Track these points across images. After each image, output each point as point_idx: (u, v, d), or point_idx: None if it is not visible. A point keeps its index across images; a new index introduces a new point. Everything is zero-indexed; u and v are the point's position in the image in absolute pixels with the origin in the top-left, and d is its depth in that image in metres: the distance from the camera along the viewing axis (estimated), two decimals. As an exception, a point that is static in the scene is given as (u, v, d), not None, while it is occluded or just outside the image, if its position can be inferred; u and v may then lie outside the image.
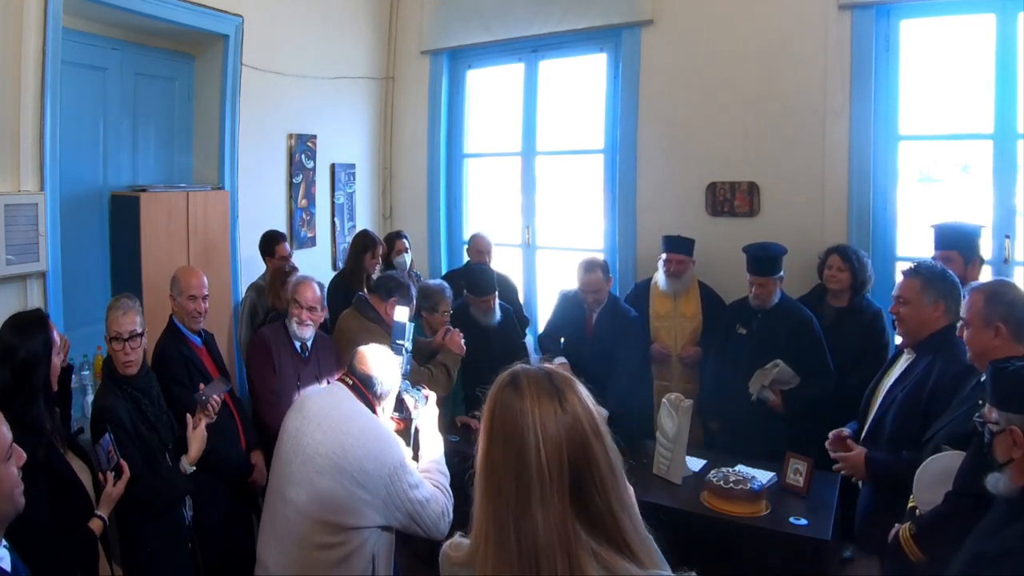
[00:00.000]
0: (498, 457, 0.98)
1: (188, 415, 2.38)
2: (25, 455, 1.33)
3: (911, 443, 2.22)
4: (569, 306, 3.69)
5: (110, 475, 2.01)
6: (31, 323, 1.96)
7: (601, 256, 3.64)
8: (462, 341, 3.19)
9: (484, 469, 1.00)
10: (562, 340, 3.73)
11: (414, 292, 3.19)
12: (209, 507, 2.62)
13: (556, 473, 0.94)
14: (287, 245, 4.01)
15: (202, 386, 2.47)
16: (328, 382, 2.78)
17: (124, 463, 2.05)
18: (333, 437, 1.90)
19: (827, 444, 2.51)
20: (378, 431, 1.97)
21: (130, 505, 2.15)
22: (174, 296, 2.83)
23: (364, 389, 2.05)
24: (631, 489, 1.14)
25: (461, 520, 1.05)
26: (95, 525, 1.93)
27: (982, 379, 2.01)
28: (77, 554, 1.86)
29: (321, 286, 3.10)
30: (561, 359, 3.54)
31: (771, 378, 3.20)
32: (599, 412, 1.02)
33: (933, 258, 2.96)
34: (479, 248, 4.40)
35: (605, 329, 3.52)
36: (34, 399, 1.88)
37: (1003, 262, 3.46)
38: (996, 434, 1.53)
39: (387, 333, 3.07)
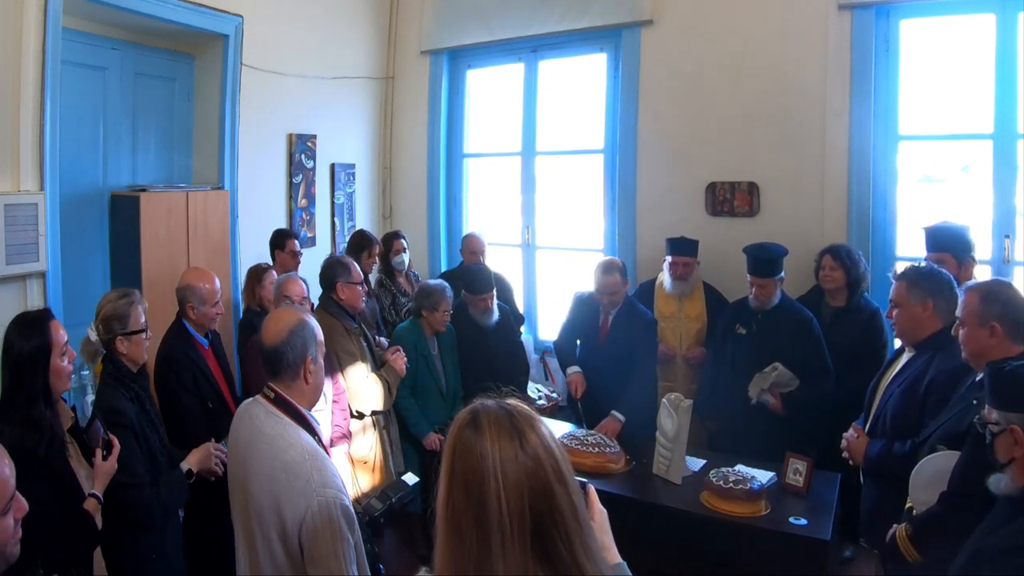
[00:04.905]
0: (459, 502, 0.95)
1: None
2: (27, 507, 1.32)
3: (909, 434, 2.25)
4: (584, 309, 3.62)
5: (100, 451, 1.98)
6: (32, 324, 1.94)
7: (619, 259, 3.57)
8: (405, 365, 3.20)
9: (445, 513, 0.97)
10: (578, 342, 3.68)
11: (344, 259, 3.23)
12: (201, 514, 2.55)
13: (517, 522, 0.92)
14: (297, 242, 4.06)
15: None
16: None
17: (113, 437, 2.02)
18: None
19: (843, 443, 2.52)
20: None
21: (129, 520, 2.12)
22: (194, 306, 2.70)
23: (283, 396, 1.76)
24: (605, 513, 1.12)
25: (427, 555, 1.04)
26: (90, 505, 1.91)
27: (978, 379, 2.02)
28: (73, 532, 1.83)
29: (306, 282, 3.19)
30: (575, 369, 3.54)
31: (770, 381, 3.19)
32: (563, 453, 0.99)
33: (925, 260, 2.97)
34: (472, 248, 4.39)
35: (620, 332, 3.46)
36: (34, 399, 1.87)
37: (1003, 262, 3.46)
38: (997, 434, 1.53)
39: (347, 326, 3.11)
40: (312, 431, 1.75)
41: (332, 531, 1.56)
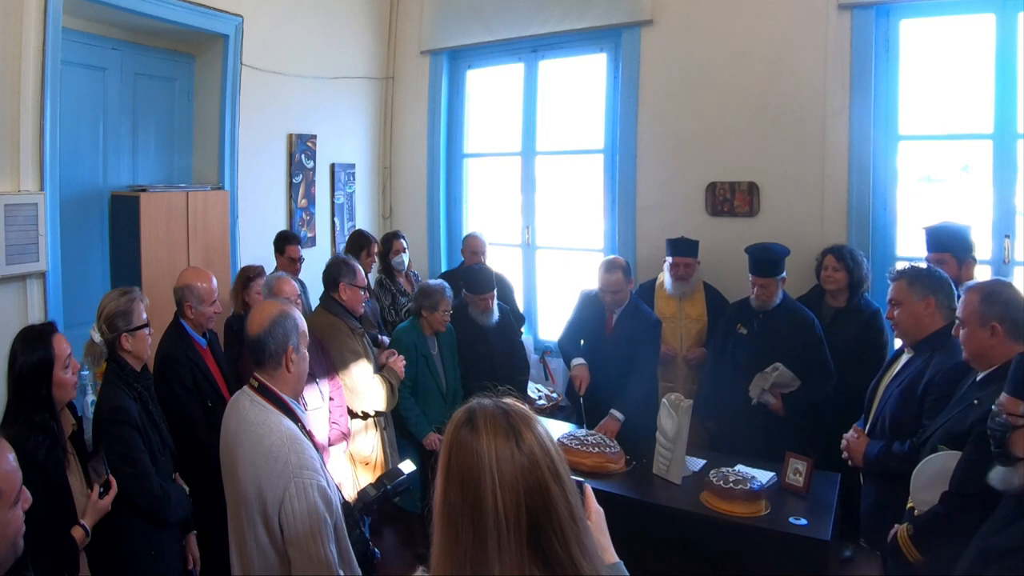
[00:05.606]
0: (455, 501, 0.96)
1: None
2: (31, 499, 1.33)
3: (907, 435, 2.25)
4: (589, 306, 3.61)
5: (97, 488, 2.01)
6: (35, 337, 1.97)
7: (622, 258, 3.57)
8: (403, 366, 3.21)
9: (441, 511, 0.97)
10: (582, 342, 3.66)
11: (350, 260, 3.21)
12: (200, 512, 2.52)
13: (513, 521, 0.92)
14: (299, 248, 4.04)
15: None
16: (317, 381, 2.77)
17: (112, 479, 2.05)
18: None
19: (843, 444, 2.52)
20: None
21: (138, 511, 2.14)
22: (192, 305, 2.71)
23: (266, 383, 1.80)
24: (601, 512, 1.12)
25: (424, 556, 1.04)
26: (77, 533, 1.92)
27: (978, 378, 2.02)
28: (58, 557, 1.84)
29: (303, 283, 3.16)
30: (580, 361, 3.53)
31: (771, 382, 3.19)
32: (559, 452, 0.99)
33: (926, 260, 2.97)
34: (473, 248, 4.39)
35: (624, 331, 3.45)
36: (36, 409, 1.90)
37: (1003, 262, 3.46)
38: (1016, 428, 1.51)
39: (351, 326, 3.11)
40: (295, 418, 1.78)
41: (309, 512, 1.60)
